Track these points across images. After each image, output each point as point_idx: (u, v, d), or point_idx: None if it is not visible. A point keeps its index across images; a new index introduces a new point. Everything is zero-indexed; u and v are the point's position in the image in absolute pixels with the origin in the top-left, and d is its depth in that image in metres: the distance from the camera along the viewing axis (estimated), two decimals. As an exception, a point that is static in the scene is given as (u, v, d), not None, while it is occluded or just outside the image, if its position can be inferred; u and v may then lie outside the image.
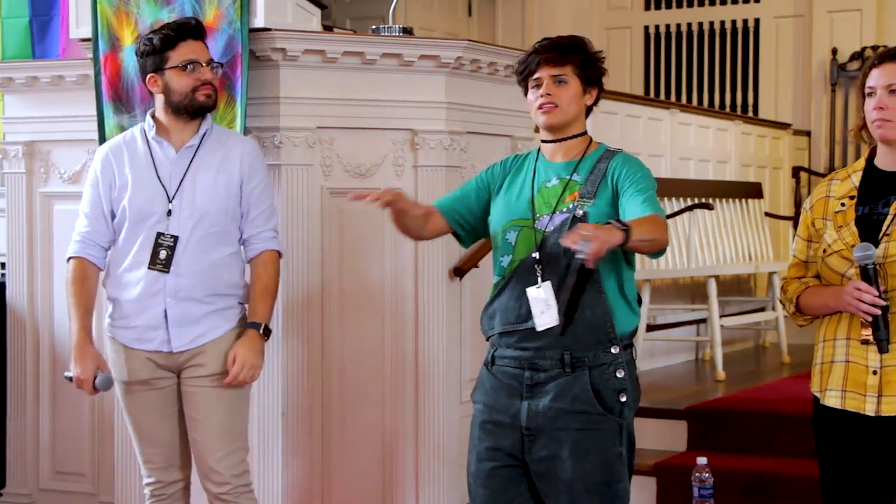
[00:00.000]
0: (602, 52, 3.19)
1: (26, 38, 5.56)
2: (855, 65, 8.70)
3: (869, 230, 3.01)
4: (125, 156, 3.61)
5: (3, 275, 5.16)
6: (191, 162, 3.57)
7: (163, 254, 3.50)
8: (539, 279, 3.00)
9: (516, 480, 3.08)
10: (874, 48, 8.56)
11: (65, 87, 4.77)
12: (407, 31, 4.50)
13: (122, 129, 4.29)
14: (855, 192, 3.08)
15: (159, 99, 3.59)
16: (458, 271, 4.38)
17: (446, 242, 4.32)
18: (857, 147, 8.67)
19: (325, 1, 4.62)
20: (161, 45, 3.54)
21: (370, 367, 4.26)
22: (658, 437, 5.06)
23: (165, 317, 3.51)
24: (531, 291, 3.01)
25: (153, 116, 3.63)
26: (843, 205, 3.08)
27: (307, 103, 4.13)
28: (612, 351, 3.02)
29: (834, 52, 8.78)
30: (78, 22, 4.56)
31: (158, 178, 3.56)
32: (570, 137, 3.12)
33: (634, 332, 3.10)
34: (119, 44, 4.27)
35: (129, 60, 4.25)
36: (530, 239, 3.04)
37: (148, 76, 3.58)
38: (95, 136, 4.37)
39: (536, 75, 3.08)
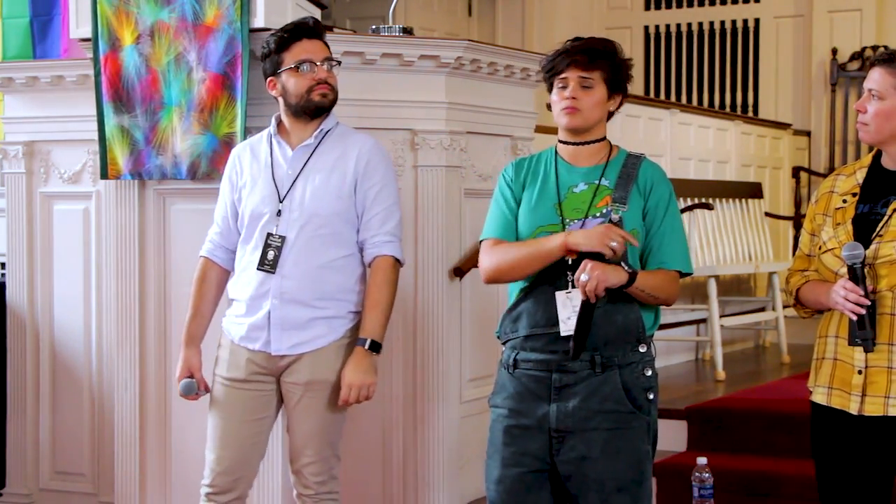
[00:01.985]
0: (631, 60, 3.17)
1: (27, 38, 5.57)
2: (855, 65, 8.71)
3: (865, 229, 3.02)
4: (249, 157, 3.60)
5: (3, 275, 5.16)
6: (306, 162, 3.52)
7: (271, 254, 3.47)
8: (570, 285, 3.00)
9: (539, 485, 3.07)
10: (874, 48, 8.57)
11: (65, 87, 4.77)
12: (407, 31, 4.50)
13: (122, 129, 4.30)
14: (858, 190, 3.09)
15: (280, 102, 3.56)
16: (458, 271, 4.38)
17: (446, 242, 4.33)
18: (858, 147, 8.68)
19: (325, 1, 4.63)
20: (276, 48, 3.51)
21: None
22: (658, 437, 5.05)
23: (269, 318, 3.49)
24: (560, 296, 3.00)
25: (278, 119, 3.61)
26: (844, 201, 3.09)
27: (307, 103, 4.12)
28: (641, 350, 3.04)
29: (834, 52, 8.78)
30: (78, 22, 4.56)
31: (273, 177, 3.53)
32: (592, 142, 3.11)
33: (655, 332, 3.13)
34: (119, 44, 4.27)
35: (130, 60, 4.25)
36: None
37: (267, 80, 3.56)
38: (95, 136, 4.38)
39: (563, 75, 3.06)
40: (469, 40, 4.42)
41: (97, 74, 4.31)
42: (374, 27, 4.53)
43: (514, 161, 3.24)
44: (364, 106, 4.23)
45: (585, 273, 2.87)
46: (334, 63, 3.56)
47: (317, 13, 4.46)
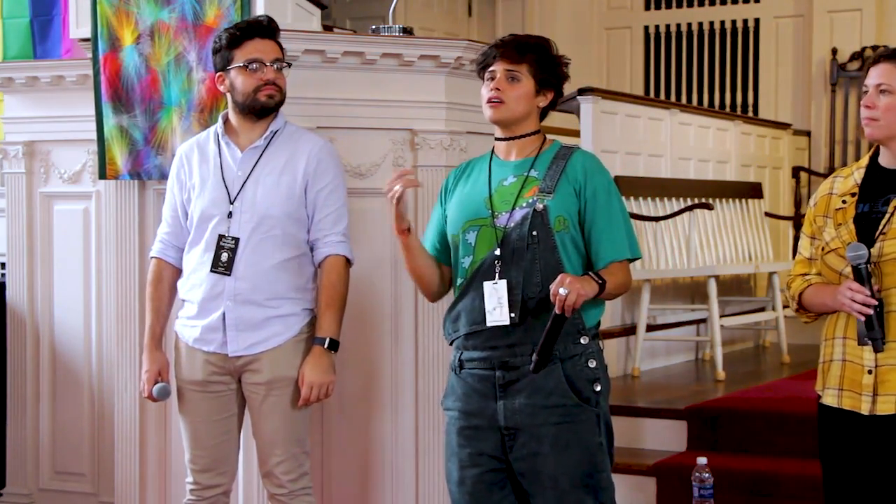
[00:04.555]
0: (566, 57, 3.18)
1: (27, 38, 5.57)
2: (855, 65, 8.70)
3: (867, 228, 3.01)
4: (196, 157, 3.60)
5: (3, 275, 5.16)
6: (256, 163, 3.53)
7: (224, 256, 3.48)
8: (497, 275, 3.01)
9: (500, 484, 3.08)
10: (874, 48, 8.56)
11: (65, 87, 4.78)
12: (407, 31, 4.50)
13: (122, 129, 4.30)
14: (857, 190, 3.09)
15: (228, 98, 3.57)
16: (458, 271, 4.38)
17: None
18: (858, 147, 8.68)
19: (325, 1, 4.63)
20: (227, 44, 3.52)
21: (370, 367, 4.26)
22: (658, 437, 5.06)
23: (224, 320, 3.50)
24: (487, 287, 3.01)
25: (225, 117, 3.61)
26: (844, 202, 3.09)
27: (307, 103, 4.12)
28: (582, 342, 3.03)
29: (834, 52, 8.78)
30: (78, 22, 4.56)
31: (223, 179, 3.54)
32: (524, 136, 3.12)
33: (599, 323, 3.12)
34: (119, 44, 4.27)
35: (129, 60, 4.25)
36: (490, 237, 3.05)
37: (216, 75, 3.57)
38: (95, 136, 4.38)
39: (492, 68, 3.09)
40: (469, 40, 4.43)
41: (96, 74, 4.32)
42: (374, 27, 4.53)
43: (458, 166, 3.26)
44: (364, 106, 4.23)
45: (564, 287, 2.85)
46: (284, 64, 3.56)
47: (317, 13, 4.46)
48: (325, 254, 3.56)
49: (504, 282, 2.99)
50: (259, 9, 4.10)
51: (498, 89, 3.06)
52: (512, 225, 3.03)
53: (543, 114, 3.18)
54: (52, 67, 4.84)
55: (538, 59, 3.09)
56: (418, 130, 4.27)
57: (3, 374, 5.05)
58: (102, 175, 4.41)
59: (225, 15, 4.09)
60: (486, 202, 3.08)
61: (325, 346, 3.52)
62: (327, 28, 4.87)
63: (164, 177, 4.29)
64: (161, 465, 4.44)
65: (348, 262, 3.59)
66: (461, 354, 3.11)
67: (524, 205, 3.03)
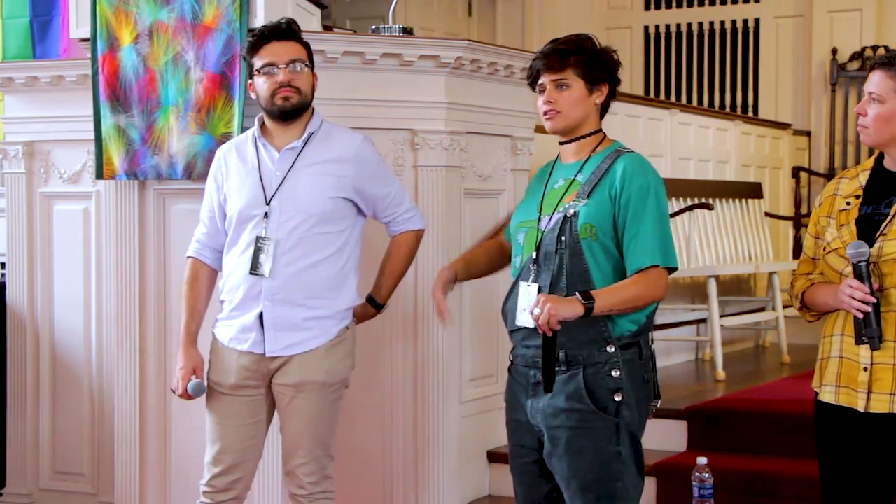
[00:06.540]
0: (611, 47, 3.15)
1: (27, 38, 5.57)
2: (855, 65, 8.71)
3: (869, 230, 3.03)
4: (234, 158, 3.60)
5: (3, 275, 5.16)
6: (293, 164, 3.52)
7: (262, 257, 3.48)
8: (532, 277, 3.03)
9: (549, 475, 3.09)
10: (874, 48, 8.57)
11: (65, 87, 4.78)
12: (407, 31, 4.50)
13: (119, 129, 4.30)
14: (861, 192, 3.11)
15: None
16: (458, 271, 4.38)
17: (446, 242, 4.33)
18: (858, 147, 8.69)
19: (325, 1, 4.63)
20: (248, 51, 3.54)
21: (370, 367, 4.26)
22: (658, 437, 5.06)
23: (261, 320, 3.50)
24: (522, 286, 3.05)
25: (261, 119, 3.61)
26: (848, 203, 3.11)
27: (307, 103, 4.13)
28: (608, 350, 3.00)
29: (834, 52, 8.78)
30: (78, 22, 4.56)
31: (261, 180, 3.53)
32: (583, 137, 3.11)
33: (641, 332, 3.05)
34: (118, 43, 4.27)
35: (128, 60, 4.25)
36: (533, 239, 3.07)
37: (248, 82, 3.59)
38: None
39: (540, 81, 3.08)
40: (469, 40, 4.43)
41: (94, 74, 4.31)
42: (374, 27, 4.53)
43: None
44: (364, 106, 4.23)
45: (537, 307, 2.85)
46: (304, 64, 3.52)
47: (317, 13, 4.46)
48: (396, 231, 3.70)
49: (535, 285, 3.01)
50: (259, 9, 4.11)
51: (550, 101, 3.05)
52: (547, 229, 3.04)
53: (605, 108, 3.14)
54: (51, 67, 4.84)
55: (582, 60, 3.06)
56: (418, 130, 4.27)
57: (3, 375, 5.04)
58: (100, 175, 4.41)
59: (224, 15, 4.09)
60: (538, 204, 3.10)
61: (366, 299, 3.68)
62: (327, 28, 4.87)
63: (159, 176, 4.29)
64: (161, 465, 4.44)
65: (421, 232, 3.73)
66: (514, 350, 3.15)
67: (561, 209, 3.04)
